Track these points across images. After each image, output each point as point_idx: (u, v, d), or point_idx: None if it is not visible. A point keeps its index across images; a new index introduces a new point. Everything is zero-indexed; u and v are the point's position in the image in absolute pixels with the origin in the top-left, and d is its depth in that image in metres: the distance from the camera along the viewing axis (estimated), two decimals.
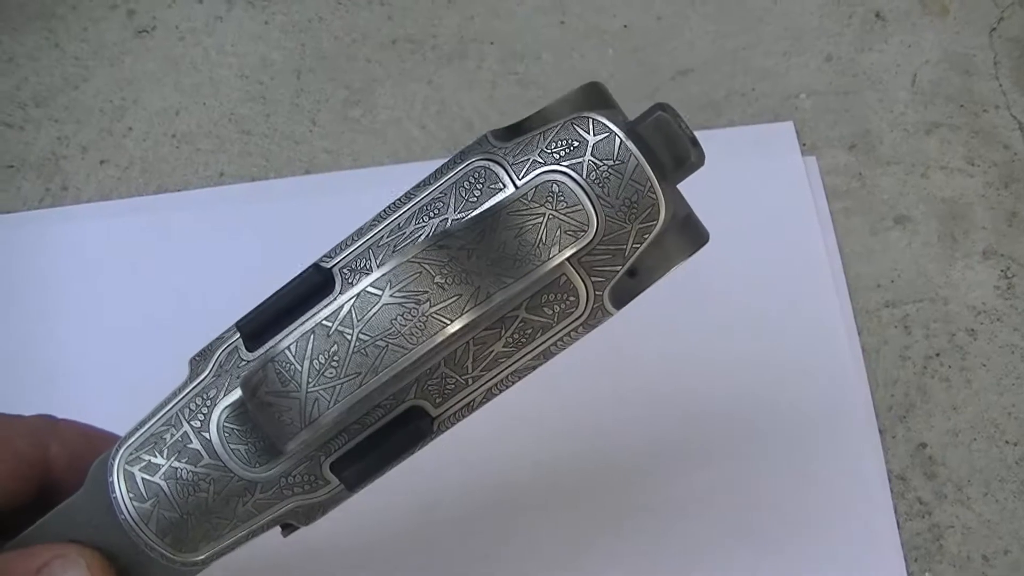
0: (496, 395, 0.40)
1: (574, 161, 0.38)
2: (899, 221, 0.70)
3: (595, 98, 0.40)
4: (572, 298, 0.39)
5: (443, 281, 0.35)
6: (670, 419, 0.65)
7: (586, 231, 0.37)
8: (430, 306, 0.35)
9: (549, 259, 0.37)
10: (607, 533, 0.62)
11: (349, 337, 0.35)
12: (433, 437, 0.40)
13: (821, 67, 0.75)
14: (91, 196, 0.72)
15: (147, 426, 0.40)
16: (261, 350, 0.39)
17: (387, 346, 0.35)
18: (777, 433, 0.64)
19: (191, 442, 0.39)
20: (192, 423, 0.39)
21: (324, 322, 0.35)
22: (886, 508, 0.62)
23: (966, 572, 0.61)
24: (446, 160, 0.40)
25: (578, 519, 0.63)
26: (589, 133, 0.38)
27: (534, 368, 0.40)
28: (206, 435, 0.39)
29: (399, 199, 0.40)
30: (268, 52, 0.76)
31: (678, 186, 0.40)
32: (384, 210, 0.40)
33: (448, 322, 0.35)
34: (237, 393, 0.38)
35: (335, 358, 0.35)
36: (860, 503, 0.63)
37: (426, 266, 0.35)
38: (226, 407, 0.39)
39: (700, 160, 0.39)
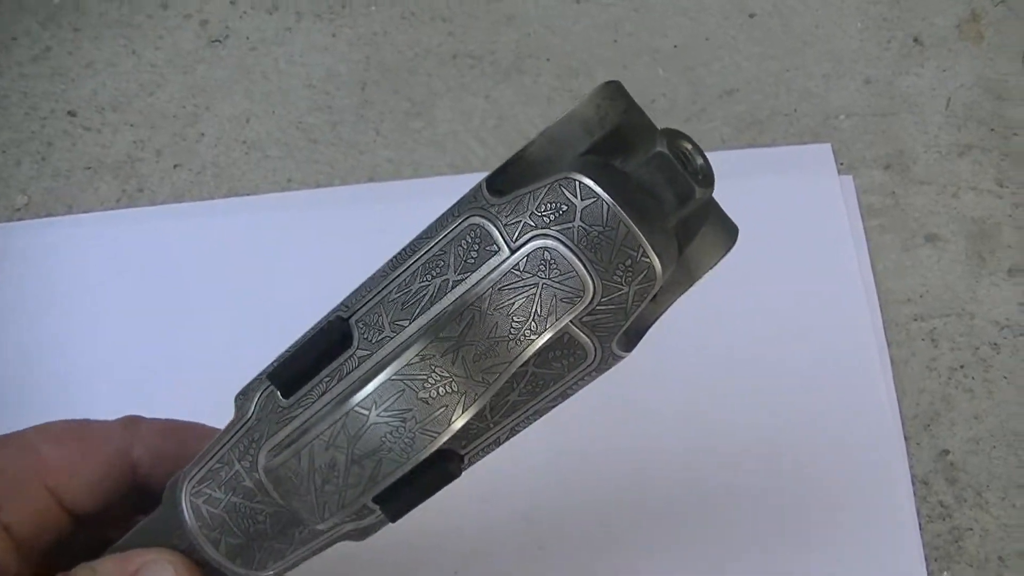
0: (521, 430, 0.41)
1: (564, 226, 0.36)
2: (930, 239, 0.73)
3: (610, 102, 0.39)
4: (579, 352, 0.38)
5: (426, 396, 0.35)
6: (703, 423, 0.68)
7: (582, 296, 0.36)
8: (415, 423, 0.35)
9: (546, 330, 0.36)
10: (634, 541, 0.66)
11: (345, 452, 0.36)
12: (466, 468, 0.41)
13: (860, 89, 0.78)
14: (165, 198, 0.76)
15: (205, 461, 0.43)
16: (293, 398, 0.40)
17: (381, 460, 0.36)
18: (808, 437, 0.67)
19: (244, 480, 0.42)
20: (242, 463, 0.42)
21: (321, 437, 0.36)
22: (909, 510, 0.66)
23: (983, 572, 0.65)
24: (446, 210, 0.41)
25: (607, 520, 0.66)
26: (576, 197, 0.36)
27: (554, 407, 0.41)
28: (256, 475, 0.41)
29: (407, 248, 0.41)
30: (335, 64, 0.80)
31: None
32: (394, 259, 0.41)
33: (435, 435, 0.36)
34: (277, 439, 0.40)
35: (335, 471, 0.36)
36: (885, 505, 0.66)
37: (408, 383, 0.35)
38: (270, 450, 0.41)
39: (707, 194, 0.38)
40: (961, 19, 0.80)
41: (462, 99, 0.78)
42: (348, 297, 0.42)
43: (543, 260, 0.36)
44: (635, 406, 0.68)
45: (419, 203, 0.74)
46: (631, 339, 0.39)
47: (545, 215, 0.37)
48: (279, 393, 0.41)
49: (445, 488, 0.40)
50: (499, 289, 0.37)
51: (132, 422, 0.50)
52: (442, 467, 0.38)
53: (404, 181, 0.76)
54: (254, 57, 0.80)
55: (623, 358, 0.39)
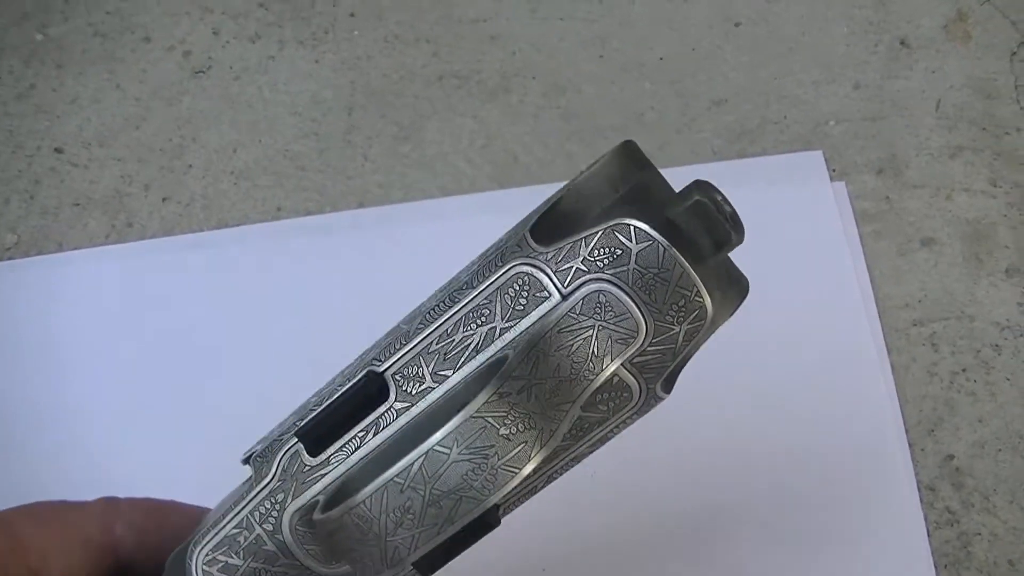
0: (556, 478, 0.41)
1: (619, 270, 0.37)
2: (925, 242, 0.72)
3: (629, 160, 0.41)
4: (626, 394, 0.39)
5: (507, 432, 0.35)
6: (705, 438, 0.68)
7: (636, 337, 0.37)
8: (498, 459, 0.35)
9: (603, 370, 0.37)
10: (647, 545, 0.65)
11: (422, 492, 0.36)
12: (502, 516, 0.41)
13: (849, 94, 0.77)
14: (155, 232, 0.75)
15: (219, 527, 0.42)
16: (322, 456, 0.40)
17: (460, 499, 0.36)
18: (811, 448, 0.67)
19: (266, 544, 0.41)
20: (264, 526, 0.41)
21: (396, 479, 0.36)
22: (916, 518, 0.65)
23: None
24: (484, 257, 0.41)
25: (617, 539, 0.66)
26: (631, 241, 0.37)
27: (591, 453, 0.41)
28: (279, 537, 0.40)
29: (442, 300, 0.41)
30: (320, 90, 0.79)
31: None
32: (429, 312, 0.41)
33: (516, 471, 0.36)
34: (305, 498, 0.40)
35: (410, 512, 0.36)
36: (892, 513, 0.65)
37: (489, 419, 0.35)
38: (296, 511, 0.40)
39: (740, 240, 0.39)
40: (947, 19, 0.80)
41: (450, 120, 0.78)
42: (375, 350, 0.41)
43: (599, 303, 0.37)
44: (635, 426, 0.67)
45: (411, 227, 0.75)
46: (670, 381, 0.40)
47: (599, 260, 0.37)
48: (305, 451, 0.40)
49: None
50: (559, 332, 0.37)
51: (111, 502, 0.48)
52: (479, 518, 0.38)
53: (395, 205, 0.75)
54: (238, 86, 0.80)
55: (663, 400, 0.40)
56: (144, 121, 0.79)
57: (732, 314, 0.41)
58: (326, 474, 0.40)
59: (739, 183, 0.73)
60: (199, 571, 0.42)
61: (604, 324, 0.37)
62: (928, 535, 0.65)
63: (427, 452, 0.35)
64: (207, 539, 0.42)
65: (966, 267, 0.72)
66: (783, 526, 0.65)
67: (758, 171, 0.75)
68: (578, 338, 0.37)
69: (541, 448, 0.36)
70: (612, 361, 0.37)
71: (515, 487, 0.36)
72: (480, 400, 0.36)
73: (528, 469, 0.36)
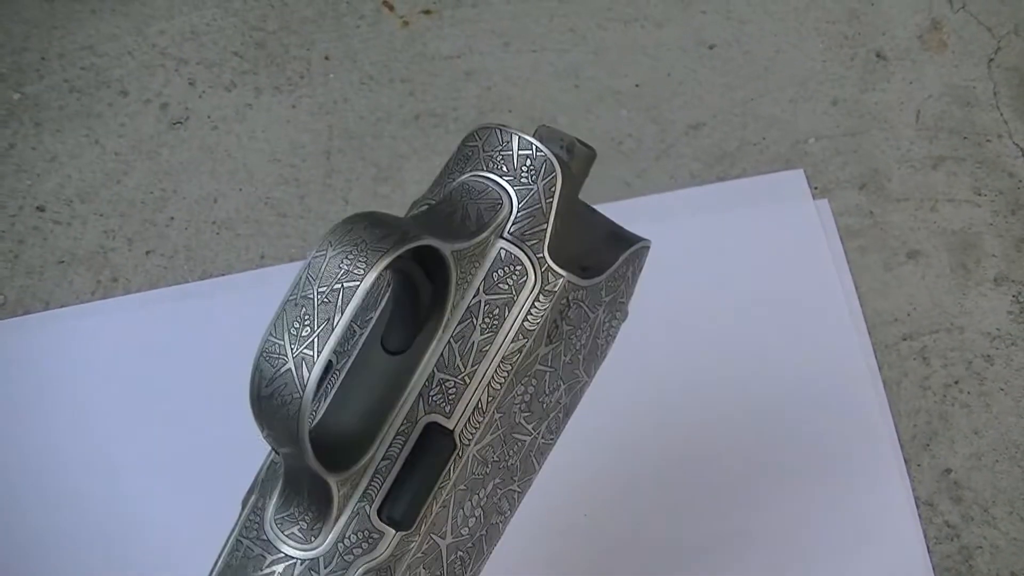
0: (498, 389, 0.42)
1: (473, 163, 0.43)
2: (912, 255, 0.72)
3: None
4: (519, 267, 0.42)
5: (379, 231, 0.37)
6: (702, 459, 0.68)
7: (502, 203, 0.42)
8: (366, 245, 0.37)
9: (481, 232, 0.41)
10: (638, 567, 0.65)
11: (311, 295, 0.37)
12: (460, 451, 0.42)
13: (827, 111, 0.77)
14: (140, 286, 0.75)
15: (216, 568, 0.42)
16: None
17: (342, 287, 0.37)
18: (807, 469, 0.67)
19: (253, 551, 0.41)
20: (249, 536, 0.41)
21: (290, 297, 0.37)
22: (915, 534, 0.65)
23: None
24: None
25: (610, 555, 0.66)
26: (477, 140, 0.43)
27: (521, 351, 0.42)
28: (264, 537, 0.41)
29: None
30: (297, 135, 0.79)
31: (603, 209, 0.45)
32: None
33: (386, 249, 0.37)
34: (279, 487, 0.41)
35: (306, 318, 0.37)
36: (890, 531, 0.65)
37: (358, 225, 0.37)
38: (274, 504, 0.41)
39: (589, 148, 0.44)
40: (922, 29, 0.80)
41: (428, 159, 0.78)
42: None
43: (464, 189, 0.42)
44: (622, 441, 0.68)
45: None
46: (562, 260, 0.43)
47: (457, 169, 0.43)
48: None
49: None
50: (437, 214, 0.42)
51: None
52: (434, 442, 0.40)
53: None
54: (216, 136, 0.80)
55: (563, 278, 0.42)
56: (124, 175, 0.79)
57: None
58: None
59: (721, 206, 0.75)
60: None
61: (472, 201, 0.42)
62: (928, 551, 0.64)
63: (308, 262, 0.37)
64: None
65: (954, 278, 0.71)
66: (781, 548, 0.65)
67: (739, 193, 0.74)
68: (453, 213, 0.41)
69: (406, 239, 0.37)
70: (488, 223, 0.41)
71: (386, 267, 0.37)
72: (350, 216, 0.37)
73: (396, 251, 0.37)
